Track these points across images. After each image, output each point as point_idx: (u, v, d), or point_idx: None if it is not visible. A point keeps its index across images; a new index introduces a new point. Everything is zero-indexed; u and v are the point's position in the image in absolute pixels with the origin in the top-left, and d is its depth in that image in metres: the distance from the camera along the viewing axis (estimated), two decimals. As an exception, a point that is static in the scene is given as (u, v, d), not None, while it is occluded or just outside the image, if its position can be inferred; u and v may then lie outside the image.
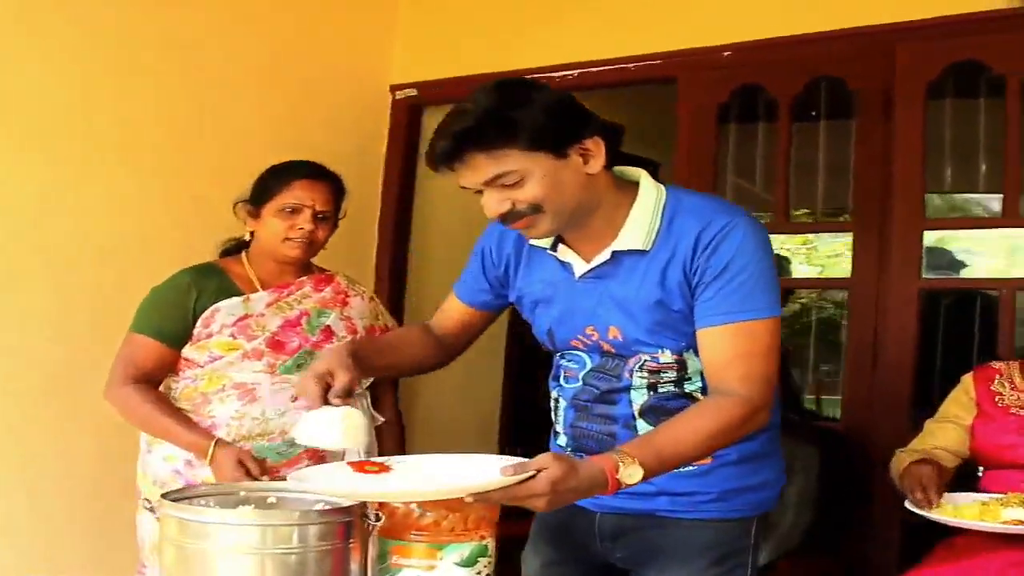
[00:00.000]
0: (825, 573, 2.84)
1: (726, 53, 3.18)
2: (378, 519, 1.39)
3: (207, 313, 2.22)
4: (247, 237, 2.34)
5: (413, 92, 3.77)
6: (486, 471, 1.37)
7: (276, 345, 2.22)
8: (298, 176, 2.26)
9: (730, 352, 1.56)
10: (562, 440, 1.78)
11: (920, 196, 2.88)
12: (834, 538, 2.81)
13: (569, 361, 1.76)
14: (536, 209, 1.55)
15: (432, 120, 3.81)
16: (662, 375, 1.66)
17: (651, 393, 1.66)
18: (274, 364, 2.21)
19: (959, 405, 2.31)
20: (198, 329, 2.22)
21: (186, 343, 2.23)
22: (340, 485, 1.41)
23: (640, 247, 1.62)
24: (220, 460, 2.11)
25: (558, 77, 3.45)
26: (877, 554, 2.79)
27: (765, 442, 1.70)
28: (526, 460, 1.35)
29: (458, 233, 4.03)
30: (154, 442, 2.25)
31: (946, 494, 2.06)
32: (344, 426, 1.46)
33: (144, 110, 3.01)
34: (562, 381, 1.78)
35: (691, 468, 1.64)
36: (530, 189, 1.54)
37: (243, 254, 2.34)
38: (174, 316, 2.23)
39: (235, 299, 2.24)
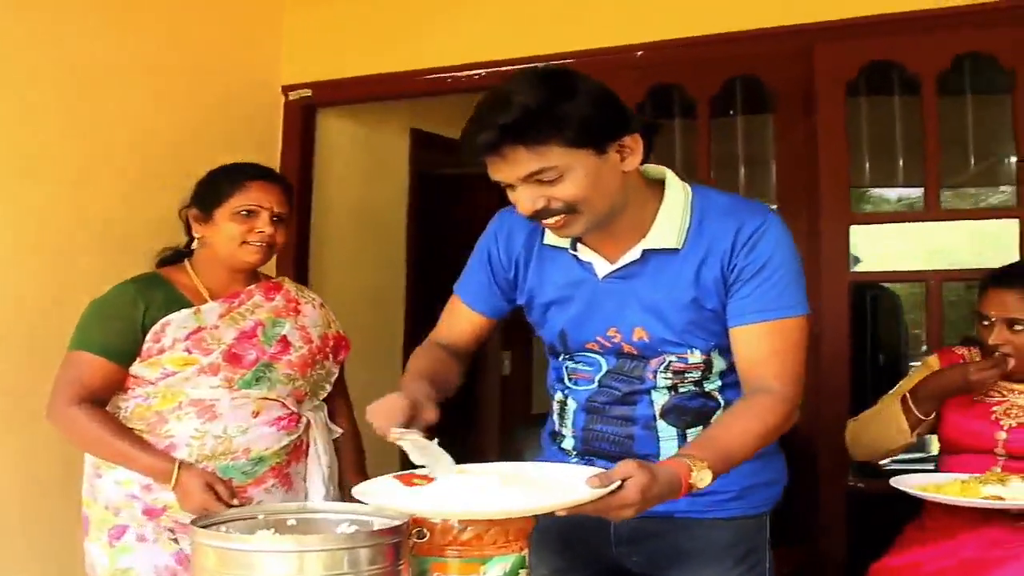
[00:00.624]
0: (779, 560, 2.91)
1: (639, 53, 3.18)
2: (421, 536, 1.36)
3: (156, 327, 2.12)
4: (192, 245, 2.25)
5: (307, 93, 3.67)
6: (568, 484, 1.37)
7: (233, 358, 2.14)
8: (252, 177, 2.18)
9: (766, 349, 1.58)
10: (568, 443, 1.77)
11: (846, 191, 2.97)
12: (784, 527, 2.88)
13: (580, 363, 1.74)
14: (572, 209, 1.53)
15: (328, 122, 3.83)
16: (686, 375, 1.67)
17: (672, 393, 1.68)
18: (232, 378, 2.13)
19: None
20: (148, 344, 2.12)
21: (134, 360, 2.13)
22: (447, 504, 1.37)
23: (673, 245, 1.62)
24: (187, 485, 2.03)
25: (464, 76, 3.44)
26: (825, 540, 2.90)
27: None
28: (605, 471, 1.34)
29: (357, 236, 4.01)
30: (104, 465, 2.15)
31: (923, 474, 2.16)
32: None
33: (34, 117, 2.89)
34: (570, 383, 1.76)
35: None
36: (568, 187, 1.51)
37: (186, 263, 2.25)
38: (121, 331, 2.12)
39: (185, 311, 2.14)
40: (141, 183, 3.09)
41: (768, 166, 3.18)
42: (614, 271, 1.65)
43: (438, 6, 3.48)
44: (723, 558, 1.68)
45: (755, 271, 1.58)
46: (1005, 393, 2.26)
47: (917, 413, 2.22)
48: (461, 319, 1.83)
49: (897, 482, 2.11)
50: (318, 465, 2.25)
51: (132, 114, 3.12)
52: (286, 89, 3.70)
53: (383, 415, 1.46)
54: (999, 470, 2.12)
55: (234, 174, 2.19)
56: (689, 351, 1.64)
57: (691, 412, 1.68)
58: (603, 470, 1.35)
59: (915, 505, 2.24)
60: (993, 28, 2.84)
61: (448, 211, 4.87)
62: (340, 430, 2.32)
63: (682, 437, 1.69)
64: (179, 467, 2.05)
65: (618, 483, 1.30)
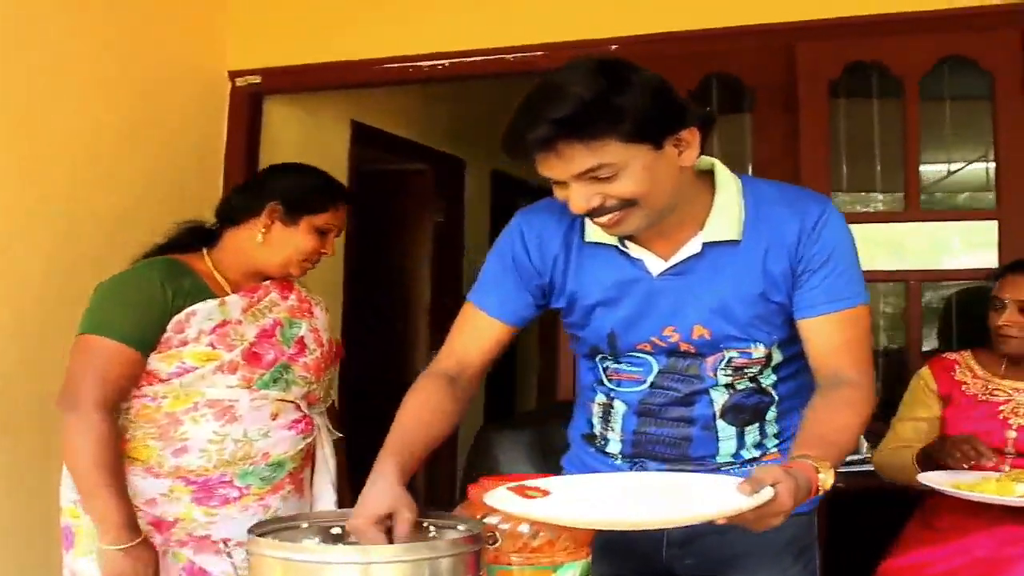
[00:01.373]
0: None
1: (613, 47, 3.19)
2: (493, 542, 1.34)
3: (181, 316, 2.02)
4: (260, 233, 2.14)
5: (256, 79, 3.60)
6: (717, 491, 1.35)
7: (252, 357, 2.07)
8: (344, 201, 2.21)
9: (840, 339, 1.59)
10: (614, 447, 1.75)
11: (827, 191, 3.01)
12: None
13: (625, 364, 1.70)
14: (628, 204, 1.49)
15: (275, 109, 3.77)
16: (745, 371, 1.66)
17: (731, 391, 1.67)
18: (250, 378, 2.06)
19: (921, 402, 2.47)
20: (168, 334, 2.02)
21: (151, 351, 2.03)
22: (595, 514, 1.34)
23: (733, 237, 1.60)
24: (129, 566, 1.93)
25: (426, 66, 3.45)
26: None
27: None
28: (751, 478, 1.32)
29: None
30: None
31: (947, 472, 2.21)
32: None
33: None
34: (615, 385, 1.72)
35: (765, 464, 1.66)
36: (625, 184, 1.47)
37: (204, 252, 2.17)
38: (151, 318, 2.01)
39: (211, 302, 2.06)
40: (84, 171, 3.03)
41: (745, 166, 3.20)
42: (670, 268, 1.62)
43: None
44: (780, 557, 1.69)
45: (823, 261, 1.59)
46: (1010, 392, 2.35)
47: (919, 476, 2.27)
48: (483, 332, 1.72)
49: (928, 480, 2.16)
50: (326, 470, 2.23)
51: (74, 99, 3.04)
52: (233, 75, 3.64)
53: (362, 540, 1.39)
54: (1008, 468, 2.20)
55: (328, 191, 2.19)
56: (753, 346, 1.63)
57: (748, 409, 1.68)
58: (739, 479, 1.34)
59: (902, 504, 2.32)
60: (975, 32, 2.93)
61: (387, 206, 4.86)
62: (340, 434, 2.29)
63: (740, 436, 1.69)
64: (140, 540, 1.96)
65: (771, 492, 1.28)
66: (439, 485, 4.69)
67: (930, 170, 4.50)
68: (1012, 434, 2.26)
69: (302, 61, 3.55)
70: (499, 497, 1.36)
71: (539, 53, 3.27)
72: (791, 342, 1.64)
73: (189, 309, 2.03)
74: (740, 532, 1.56)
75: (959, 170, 3.98)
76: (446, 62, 3.38)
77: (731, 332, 1.61)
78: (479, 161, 5.14)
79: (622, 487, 1.43)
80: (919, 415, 2.45)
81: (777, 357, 1.66)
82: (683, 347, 1.63)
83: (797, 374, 1.69)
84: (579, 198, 1.48)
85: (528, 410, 3.13)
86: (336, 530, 1.43)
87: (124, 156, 3.15)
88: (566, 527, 1.34)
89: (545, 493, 1.39)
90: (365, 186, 4.40)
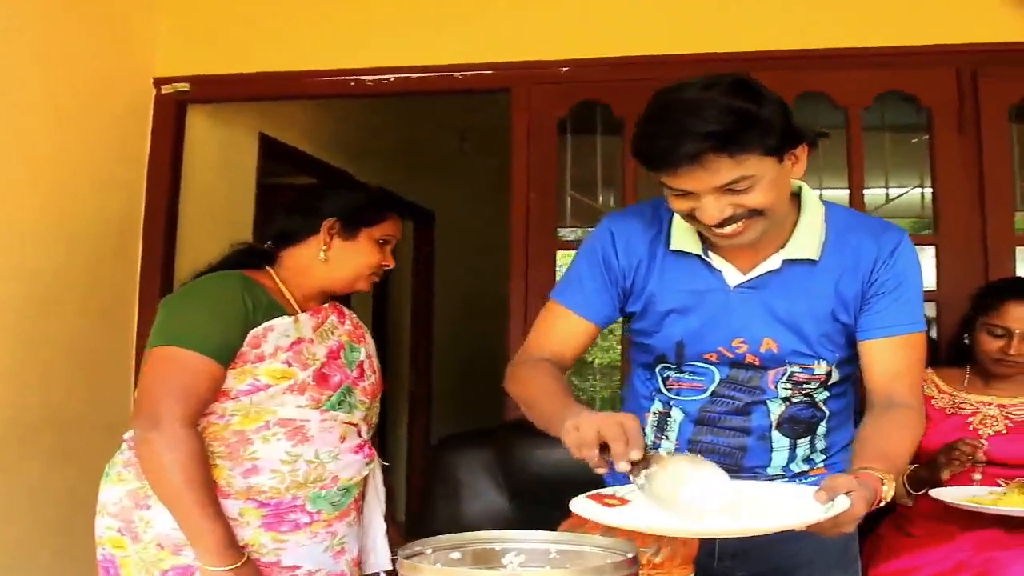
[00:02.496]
0: None
1: (564, 68, 3.41)
2: (652, 556, 1.45)
3: (258, 331, 2.06)
4: (322, 251, 2.22)
5: (185, 87, 3.64)
6: (794, 500, 1.45)
7: (321, 378, 2.12)
8: (393, 210, 2.31)
9: (901, 363, 1.76)
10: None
11: None
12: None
13: (687, 373, 1.84)
14: (755, 213, 1.64)
15: (198, 118, 3.82)
16: (804, 386, 1.82)
17: (787, 404, 1.83)
18: (319, 399, 2.10)
19: None
20: (244, 348, 2.05)
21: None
22: (682, 523, 1.41)
23: (812, 256, 1.77)
24: None
25: (370, 80, 3.58)
26: None
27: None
28: (823, 487, 1.44)
29: (226, 235, 3.94)
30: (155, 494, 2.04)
31: (935, 490, 2.42)
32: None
33: None
34: (673, 394, 1.86)
35: (812, 478, 1.84)
36: (757, 195, 1.61)
37: (270, 270, 2.24)
38: (234, 329, 2.04)
39: (287, 319, 2.12)
40: (6, 171, 3.01)
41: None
42: (747, 280, 1.78)
43: (338, 8, 3.58)
44: (828, 568, 1.85)
45: (895, 286, 1.76)
46: (976, 405, 2.61)
47: (914, 493, 2.50)
48: (568, 329, 1.86)
49: (942, 495, 2.36)
50: (377, 499, 2.28)
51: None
52: (159, 81, 3.70)
53: (630, 440, 1.46)
54: (979, 477, 2.46)
55: (383, 202, 2.32)
56: (816, 362, 1.79)
57: (803, 422, 1.83)
58: (808, 487, 1.48)
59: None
60: (914, 69, 3.24)
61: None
62: (387, 463, 2.36)
63: (792, 448, 1.85)
64: (244, 562, 1.96)
65: (850, 502, 1.41)
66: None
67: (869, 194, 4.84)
68: (983, 443, 2.49)
69: (233, 70, 3.62)
70: (583, 506, 1.47)
71: (488, 72, 3.45)
72: (847, 362, 1.83)
73: (267, 324, 2.07)
74: (790, 543, 1.74)
75: (897, 197, 4.30)
76: (391, 77, 3.53)
77: (798, 348, 1.77)
78: (365, 178, 5.20)
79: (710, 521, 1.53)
80: None
81: (835, 375, 1.83)
82: (749, 359, 1.79)
83: (846, 392, 1.90)
84: (714, 209, 1.61)
85: (481, 427, 3.21)
86: (455, 555, 1.45)
87: (46, 158, 3.17)
88: (682, 543, 1.46)
89: (623, 501, 1.49)
90: (268, 200, 4.45)
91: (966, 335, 2.66)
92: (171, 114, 3.68)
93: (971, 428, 2.56)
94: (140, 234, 3.62)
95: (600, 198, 4.25)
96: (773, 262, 1.76)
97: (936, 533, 2.46)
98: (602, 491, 1.54)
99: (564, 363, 1.86)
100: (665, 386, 1.87)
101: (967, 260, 3.15)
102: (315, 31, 3.57)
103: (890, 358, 1.76)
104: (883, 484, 1.50)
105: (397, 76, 3.51)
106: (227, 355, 2.03)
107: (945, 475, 2.43)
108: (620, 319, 1.94)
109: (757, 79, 1.63)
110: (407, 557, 1.37)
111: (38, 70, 3.16)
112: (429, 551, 1.41)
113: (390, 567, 1.43)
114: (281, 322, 2.09)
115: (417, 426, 6.00)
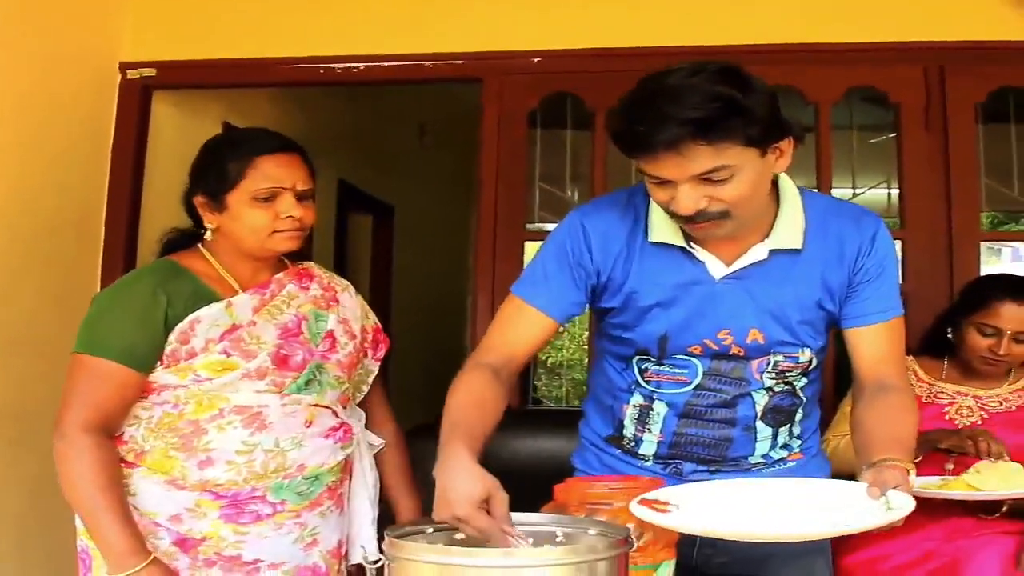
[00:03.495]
0: None
1: (536, 59, 3.42)
2: (635, 541, 1.40)
3: (183, 325, 1.94)
4: (204, 231, 2.05)
5: (151, 72, 3.61)
6: (851, 500, 1.47)
7: (281, 360, 1.99)
8: (263, 151, 1.99)
9: (887, 347, 1.78)
10: (648, 448, 1.87)
11: None
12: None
13: (668, 366, 1.83)
14: (724, 215, 1.63)
15: (163, 105, 3.76)
16: (788, 375, 1.83)
17: (770, 394, 1.84)
18: (281, 383, 1.98)
19: None
20: (173, 346, 1.94)
21: (153, 366, 1.95)
22: (759, 527, 1.44)
23: (796, 246, 1.77)
24: None
25: (339, 68, 3.56)
26: None
27: (819, 437, 1.99)
28: (874, 485, 1.47)
29: (189, 224, 3.90)
30: (128, 486, 1.96)
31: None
32: None
33: None
34: (653, 386, 1.85)
35: (790, 464, 1.88)
36: (735, 187, 1.60)
37: (201, 248, 2.07)
38: (145, 332, 1.93)
39: (216, 306, 1.97)
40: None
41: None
42: (733, 272, 1.77)
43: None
44: (805, 555, 1.85)
45: (878, 273, 1.78)
46: (953, 395, 2.64)
47: None
48: (530, 325, 1.82)
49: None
50: (364, 485, 2.16)
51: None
52: (124, 66, 3.64)
53: (492, 542, 1.42)
54: (951, 467, 2.45)
55: (240, 148, 2.00)
56: (801, 350, 1.81)
57: (784, 411, 1.85)
58: (860, 484, 1.51)
59: None
60: (883, 66, 3.29)
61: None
62: (382, 441, 2.22)
63: (774, 437, 1.86)
64: (150, 561, 1.85)
65: (912, 500, 1.44)
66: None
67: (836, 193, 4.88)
68: (1004, 446, 2.48)
69: (200, 56, 3.58)
70: (644, 512, 1.46)
71: (459, 61, 3.45)
72: (823, 350, 1.85)
73: (192, 316, 1.95)
74: None
75: (863, 192, 4.36)
76: (361, 65, 3.51)
77: (784, 337, 1.78)
78: (325, 170, 5.18)
79: (746, 497, 1.54)
80: None
81: (815, 363, 1.85)
82: (734, 350, 1.79)
83: (818, 380, 1.91)
84: (688, 199, 1.59)
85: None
86: (459, 536, 1.42)
87: (8, 143, 3.09)
88: (664, 528, 1.45)
89: (667, 504, 1.50)
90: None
91: (949, 329, 2.66)
92: (136, 100, 3.63)
93: (947, 418, 2.59)
94: (103, 221, 3.57)
95: (569, 191, 4.25)
96: (759, 252, 1.75)
97: (905, 522, 2.46)
98: (647, 496, 1.52)
99: (515, 361, 1.81)
100: (644, 378, 1.86)
101: (932, 255, 3.21)
102: (284, 18, 3.54)
103: (879, 343, 1.78)
104: (909, 473, 1.52)
105: (367, 64, 3.49)
106: (140, 358, 1.93)
107: (944, 444, 2.45)
108: (582, 314, 1.90)
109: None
110: (399, 536, 1.35)
111: (1, 51, 3.10)
112: (429, 530, 1.39)
113: (378, 556, 1.37)
114: (208, 312, 1.96)
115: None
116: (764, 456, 1.86)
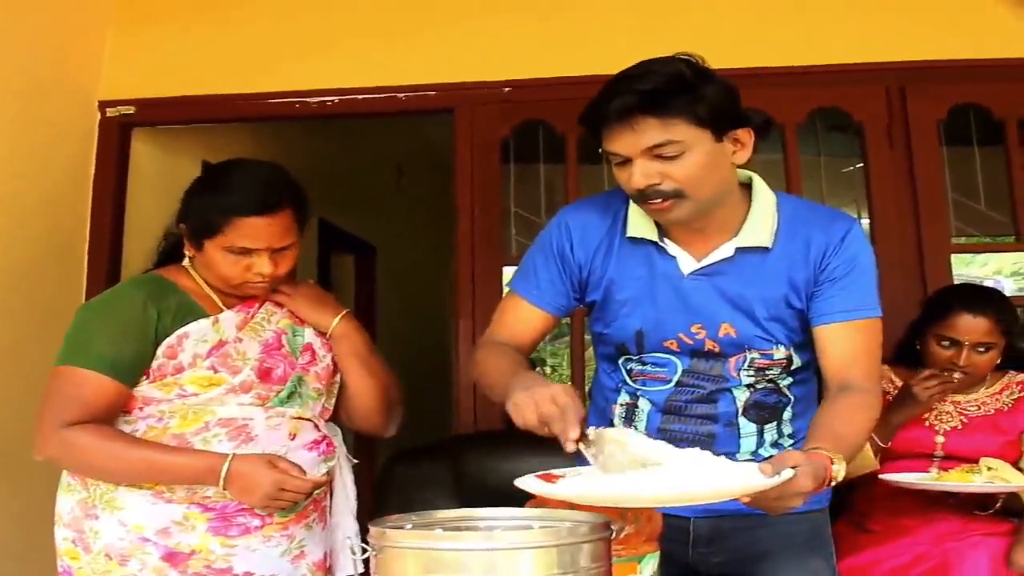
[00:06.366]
0: None
1: (506, 89, 3.49)
2: (616, 533, 1.41)
3: (171, 340, 1.94)
4: (186, 256, 2.07)
5: (130, 110, 3.65)
6: (739, 472, 1.47)
7: (264, 374, 2.00)
8: (244, 213, 1.95)
9: (856, 348, 1.78)
10: None
11: None
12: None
13: (650, 365, 1.88)
14: (679, 195, 1.70)
15: (142, 142, 3.79)
16: (767, 372, 1.85)
17: (751, 391, 1.86)
18: (265, 396, 1.99)
19: None
20: (160, 360, 1.94)
21: (139, 379, 1.94)
22: (624, 488, 1.43)
23: (765, 244, 1.81)
24: (248, 472, 1.86)
25: (314, 102, 3.60)
26: None
27: None
28: (769, 460, 1.47)
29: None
30: (102, 504, 1.94)
31: (890, 475, 2.46)
32: None
33: None
34: (639, 385, 1.90)
35: None
36: (685, 165, 1.68)
37: (187, 264, 2.08)
38: (133, 344, 1.92)
39: (204, 321, 1.98)
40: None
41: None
42: (701, 268, 1.82)
43: (283, 32, 3.61)
44: (800, 552, 1.87)
45: (846, 272, 1.79)
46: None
47: (880, 443, 2.53)
48: (526, 318, 1.91)
49: (893, 479, 2.42)
50: (345, 497, 2.16)
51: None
52: (104, 104, 3.67)
53: (567, 417, 1.50)
54: (936, 471, 2.50)
55: (223, 206, 1.96)
56: (775, 347, 1.83)
57: (768, 407, 1.87)
58: (751, 462, 1.51)
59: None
60: (846, 87, 3.35)
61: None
62: (355, 461, 2.23)
63: (760, 434, 1.88)
64: (232, 459, 1.87)
65: (791, 472, 1.43)
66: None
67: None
68: (940, 439, 2.56)
69: (178, 93, 3.62)
70: (529, 483, 1.49)
71: (432, 93, 3.50)
72: (806, 347, 1.86)
73: (180, 331, 1.95)
74: (761, 529, 1.82)
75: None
76: (335, 99, 3.55)
77: (756, 332, 1.82)
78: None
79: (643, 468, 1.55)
80: None
81: (797, 361, 1.87)
82: (708, 345, 1.82)
83: (809, 380, 1.93)
84: (639, 175, 1.69)
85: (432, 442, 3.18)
86: (438, 531, 1.42)
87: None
88: (647, 519, 1.48)
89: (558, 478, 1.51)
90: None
91: (917, 342, 2.68)
92: (116, 137, 3.66)
93: (927, 424, 2.60)
94: (85, 258, 3.57)
95: (544, 221, 4.27)
96: (726, 250, 1.82)
97: (894, 528, 2.50)
98: (552, 471, 1.55)
99: (525, 348, 1.90)
100: (630, 378, 1.91)
101: (903, 270, 3.23)
102: (260, 55, 3.58)
103: (844, 343, 1.79)
104: (833, 463, 1.53)
105: (341, 98, 3.52)
106: (126, 371, 1.92)
107: (917, 409, 2.49)
108: (576, 307, 1.97)
109: None
110: (382, 526, 1.35)
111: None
112: (408, 526, 1.39)
113: (362, 569, 1.38)
114: (196, 327, 1.97)
115: (363, 463, 5.94)
116: (753, 454, 1.88)
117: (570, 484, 1.48)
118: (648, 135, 1.66)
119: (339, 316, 2.13)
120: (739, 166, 1.82)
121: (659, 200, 1.71)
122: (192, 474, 1.90)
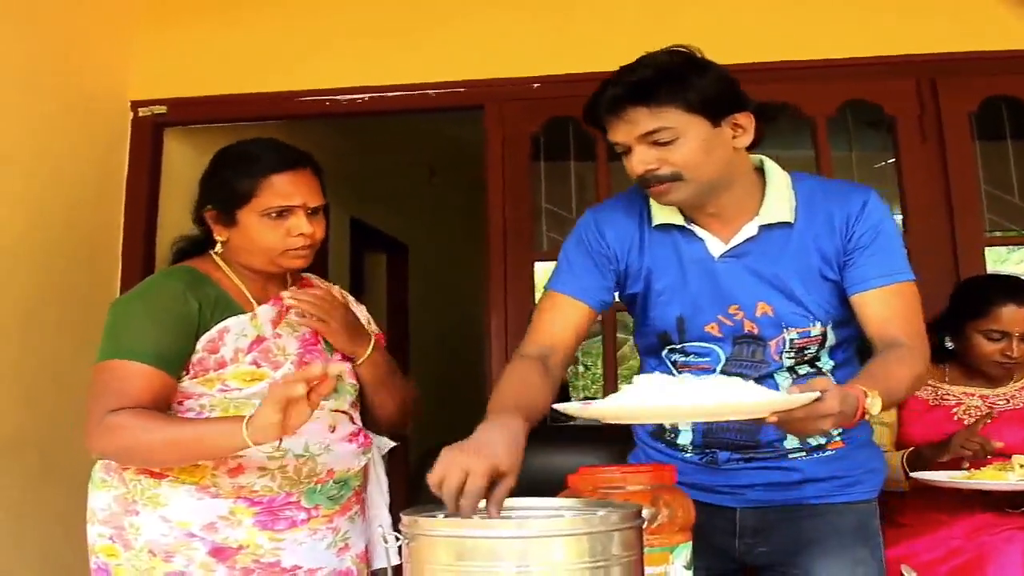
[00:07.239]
0: None
1: (535, 85, 3.49)
2: (648, 522, 1.40)
3: (212, 334, 1.91)
4: (218, 240, 2.03)
5: (162, 109, 3.68)
6: (768, 394, 1.49)
7: (303, 367, 1.93)
8: (276, 168, 1.96)
9: (892, 311, 1.79)
10: (684, 438, 1.93)
11: None
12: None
13: (693, 355, 1.90)
14: (678, 176, 1.76)
15: (175, 141, 3.81)
16: (806, 352, 1.86)
17: (794, 375, 1.87)
18: None
19: None
20: (200, 354, 1.91)
21: (181, 373, 1.91)
22: (653, 401, 1.45)
23: (787, 219, 1.84)
24: (259, 410, 1.73)
25: (345, 100, 3.61)
26: None
27: (869, 428, 2.00)
28: (800, 384, 1.51)
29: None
30: (143, 500, 1.91)
31: (921, 472, 2.44)
32: None
33: None
34: (684, 376, 1.89)
35: (829, 453, 1.90)
36: (681, 150, 1.74)
37: (215, 258, 2.04)
38: (177, 333, 1.89)
39: (243, 316, 1.95)
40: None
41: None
42: (730, 249, 1.86)
43: (313, 29, 3.63)
44: (847, 542, 1.88)
45: (872, 239, 1.82)
46: (959, 396, 2.65)
47: (911, 474, 2.51)
48: (565, 313, 1.90)
49: (926, 477, 2.39)
50: (379, 490, 2.16)
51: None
52: (136, 104, 3.71)
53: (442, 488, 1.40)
54: (967, 466, 2.46)
55: (251, 165, 1.96)
56: (812, 323, 1.84)
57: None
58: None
59: None
60: (876, 80, 3.33)
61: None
62: (392, 443, 2.20)
63: None
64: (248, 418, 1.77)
65: (818, 393, 1.45)
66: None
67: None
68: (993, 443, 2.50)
69: (210, 92, 3.65)
70: (567, 406, 1.53)
71: (461, 89, 3.51)
72: (844, 323, 1.87)
73: (221, 325, 1.92)
74: (808, 520, 1.84)
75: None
76: (366, 96, 3.56)
77: (791, 309, 1.83)
78: (337, 207, 5.24)
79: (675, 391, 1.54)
80: (882, 419, 2.66)
81: (832, 339, 1.87)
82: (747, 326, 1.84)
83: (852, 361, 1.93)
84: (637, 161, 1.76)
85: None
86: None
87: (24, 184, 3.14)
88: (679, 507, 1.48)
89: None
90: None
91: (948, 338, 2.66)
92: (148, 137, 3.69)
93: (956, 419, 2.59)
94: (119, 258, 3.61)
95: (575, 216, 4.28)
96: (750, 229, 1.86)
97: (927, 521, 2.48)
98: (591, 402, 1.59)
99: (557, 351, 1.85)
100: (675, 369, 1.93)
101: (937, 264, 3.18)
102: (290, 53, 3.60)
103: (883, 307, 1.80)
104: (867, 396, 1.53)
105: (371, 95, 3.54)
106: (171, 362, 1.89)
107: (945, 457, 2.45)
108: (611, 304, 1.99)
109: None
110: (413, 515, 1.35)
111: (14, 93, 3.14)
112: (441, 515, 1.39)
113: (396, 561, 1.38)
114: (236, 322, 1.94)
115: (396, 459, 5.96)
116: (802, 443, 1.88)
117: (606, 401, 1.51)
118: (640, 124, 1.73)
119: (371, 347, 2.11)
120: (764, 155, 1.87)
121: (658, 184, 1.77)
122: (218, 435, 1.80)
